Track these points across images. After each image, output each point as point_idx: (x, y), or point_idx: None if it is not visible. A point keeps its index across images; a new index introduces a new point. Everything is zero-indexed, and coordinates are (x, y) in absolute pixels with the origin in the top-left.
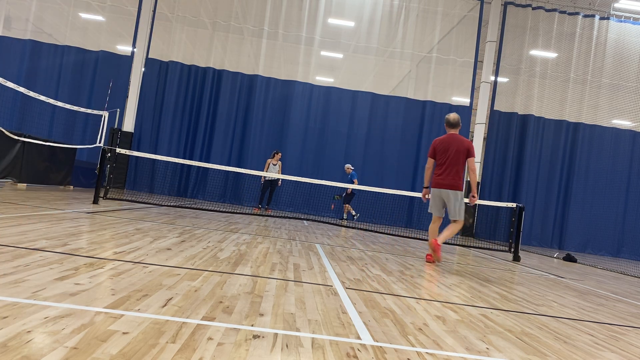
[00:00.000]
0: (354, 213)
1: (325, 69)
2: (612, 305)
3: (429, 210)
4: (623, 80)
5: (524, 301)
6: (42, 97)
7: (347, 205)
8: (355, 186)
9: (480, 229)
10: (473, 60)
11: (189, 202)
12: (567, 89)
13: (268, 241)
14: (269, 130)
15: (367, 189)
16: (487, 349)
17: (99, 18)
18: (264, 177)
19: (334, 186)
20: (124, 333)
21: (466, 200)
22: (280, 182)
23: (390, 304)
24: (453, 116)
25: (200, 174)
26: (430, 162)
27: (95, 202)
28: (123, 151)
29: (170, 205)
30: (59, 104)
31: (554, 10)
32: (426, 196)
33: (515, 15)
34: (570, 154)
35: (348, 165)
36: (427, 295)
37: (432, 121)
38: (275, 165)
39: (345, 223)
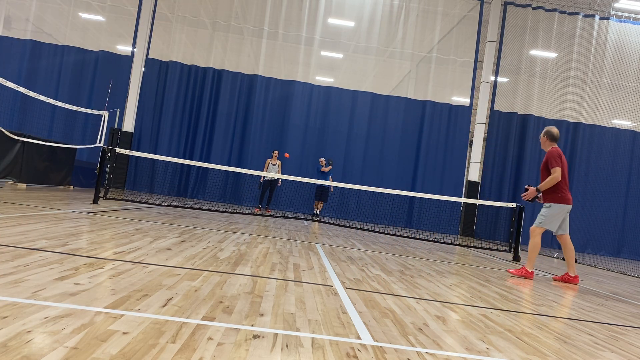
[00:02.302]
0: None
1: (325, 69)
2: (612, 305)
3: (545, 226)
4: (623, 80)
5: (524, 301)
6: (42, 97)
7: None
8: (334, 183)
9: (480, 229)
10: (473, 60)
11: (189, 202)
12: (567, 89)
13: (268, 241)
14: (269, 130)
15: (367, 189)
16: (487, 349)
17: (99, 18)
18: (263, 176)
19: (334, 186)
20: (124, 333)
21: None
22: (280, 182)
23: (390, 304)
24: (557, 130)
25: (200, 174)
26: (560, 172)
27: (95, 202)
28: (123, 151)
29: (170, 205)
30: (59, 104)
31: (554, 10)
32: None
33: (515, 15)
34: (570, 154)
35: (323, 160)
36: (427, 295)
37: (432, 121)
38: (274, 165)
39: (317, 218)
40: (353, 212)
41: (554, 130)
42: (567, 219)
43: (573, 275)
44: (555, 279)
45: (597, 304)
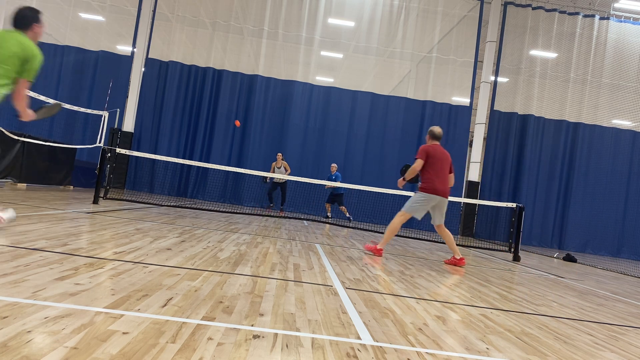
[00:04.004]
0: (347, 215)
1: (325, 69)
2: (612, 305)
3: (408, 212)
4: (623, 80)
5: (524, 301)
6: (42, 97)
7: (342, 207)
8: (338, 184)
9: (480, 229)
10: (473, 60)
11: (189, 202)
12: (567, 89)
13: (268, 241)
14: (269, 130)
15: (367, 189)
16: (487, 349)
17: (99, 18)
18: (268, 177)
19: (334, 186)
20: (124, 333)
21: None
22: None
23: (390, 304)
24: (438, 129)
25: (200, 174)
26: (421, 164)
27: (95, 202)
28: (123, 151)
29: (170, 205)
30: None
31: (554, 10)
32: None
33: (515, 15)
34: (570, 154)
35: (334, 165)
36: (427, 295)
37: (432, 121)
38: (279, 168)
39: (348, 223)
40: (353, 212)
41: (435, 129)
42: (440, 210)
43: (459, 257)
44: (445, 262)
45: (597, 304)
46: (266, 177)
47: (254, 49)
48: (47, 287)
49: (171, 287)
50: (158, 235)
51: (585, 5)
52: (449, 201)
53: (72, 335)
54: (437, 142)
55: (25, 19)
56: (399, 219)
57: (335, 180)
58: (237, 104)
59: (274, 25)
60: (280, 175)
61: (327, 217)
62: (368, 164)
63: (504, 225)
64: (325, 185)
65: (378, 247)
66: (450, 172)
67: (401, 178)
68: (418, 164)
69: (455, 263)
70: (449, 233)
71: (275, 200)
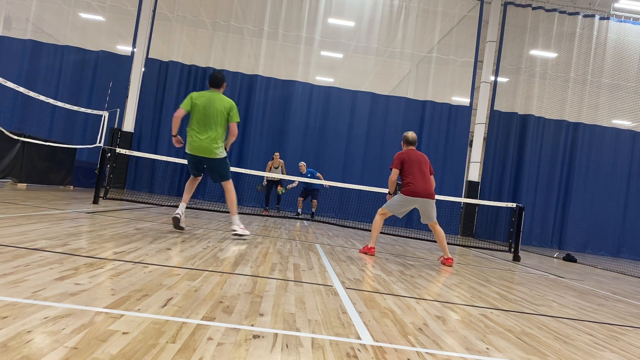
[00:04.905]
0: (314, 210)
1: (325, 69)
2: (612, 305)
3: (387, 209)
4: (623, 80)
5: (524, 301)
6: (42, 97)
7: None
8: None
9: (480, 229)
10: (473, 60)
11: (188, 202)
12: (567, 89)
13: (268, 241)
14: (269, 130)
15: (367, 189)
16: (487, 349)
17: (99, 18)
18: (265, 178)
19: (333, 186)
20: (124, 333)
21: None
22: (296, 183)
23: (390, 304)
24: (412, 134)
25: None
26: (396, 174)
27: (95, 202)
28: (123, 151)
29: (170, 205)
30: (59, 104)
31: (554, 10)
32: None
33: (515, 15)
34: (570, 154)
35: (302, 163)
36: (427, 295)
37: (432, 121)
38: (277, 168)
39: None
40: (353, 212)
41: (409, 134)
42: (425, 211)
43: (447, 257)
44: (441, 262)
45: (597, 304)
46: (260, 185)
47: (254, 49)
48: (47, 287)
49: (171, 287)
50: (158, 235)
51: (585, 5)
52: (449, 201)
53: (72, 335)
54: (412, 147)
55: (219, 80)
56: (379, 216)
57: (312, 177)
58: (237, 104)
59: (274, 25)
60: (277, 175)
61: (297, 213)
62: (368, 164)
63: (504, 225)
64: (294, 182)
65: (369, 246)
66: (431, 174)
67: (388, 193)
68: (393, 174)
69: (443, 262)
70: (442, 232)
71: (271, 200)
